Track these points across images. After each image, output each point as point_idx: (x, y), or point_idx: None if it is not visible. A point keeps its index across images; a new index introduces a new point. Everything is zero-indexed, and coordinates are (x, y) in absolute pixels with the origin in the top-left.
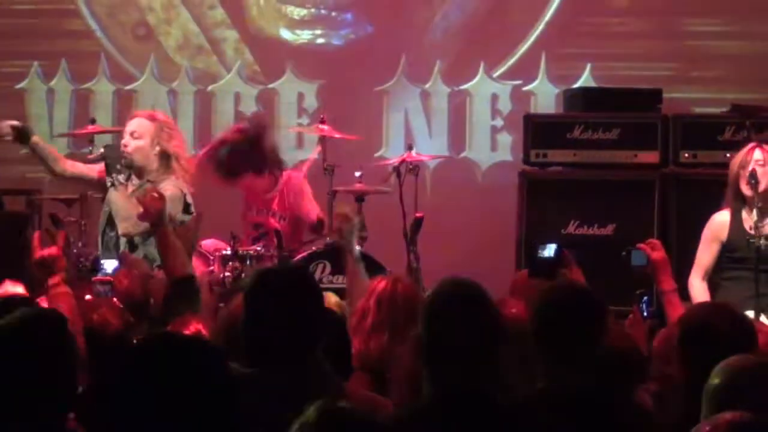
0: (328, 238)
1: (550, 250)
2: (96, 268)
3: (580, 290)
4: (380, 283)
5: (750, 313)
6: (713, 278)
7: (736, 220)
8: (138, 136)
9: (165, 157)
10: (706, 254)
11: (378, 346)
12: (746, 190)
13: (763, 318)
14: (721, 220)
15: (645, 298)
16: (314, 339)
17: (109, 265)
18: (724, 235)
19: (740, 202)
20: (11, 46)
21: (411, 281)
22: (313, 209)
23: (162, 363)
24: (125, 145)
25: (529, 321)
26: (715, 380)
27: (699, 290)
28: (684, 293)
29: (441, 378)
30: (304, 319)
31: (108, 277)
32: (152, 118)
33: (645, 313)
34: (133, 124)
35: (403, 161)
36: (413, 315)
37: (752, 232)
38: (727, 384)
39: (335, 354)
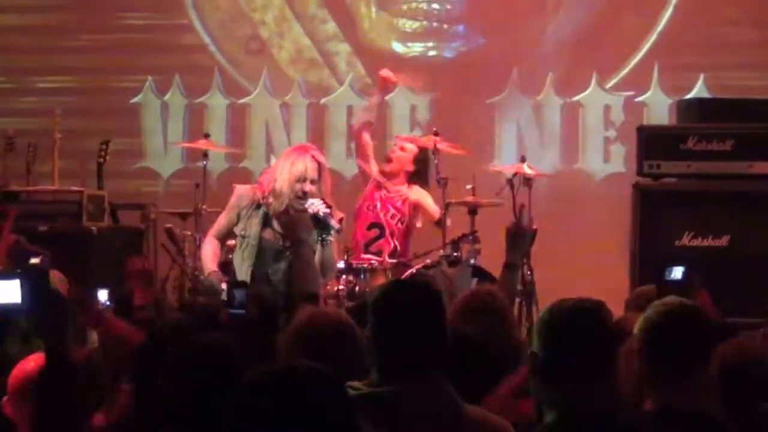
0: (441, 251)
1: (677, 273)
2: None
3: (692, 308)
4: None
5: None
6: None
7: None
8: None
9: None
10: None
11: None
12: None
13: None
14: None
15: None
16: (439, 356)
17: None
18: None
19: None
20: (126, 61)
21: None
22: (434, 208)
23: (280, 397)
24: (313, 194)
25: (638, 338)
26: None
27: None
28: None
29: (560, 398)
30: (430, 334)
31: None
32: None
33: None
34: (312, 171)
35: (516, 173)
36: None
37: None
38: None
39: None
